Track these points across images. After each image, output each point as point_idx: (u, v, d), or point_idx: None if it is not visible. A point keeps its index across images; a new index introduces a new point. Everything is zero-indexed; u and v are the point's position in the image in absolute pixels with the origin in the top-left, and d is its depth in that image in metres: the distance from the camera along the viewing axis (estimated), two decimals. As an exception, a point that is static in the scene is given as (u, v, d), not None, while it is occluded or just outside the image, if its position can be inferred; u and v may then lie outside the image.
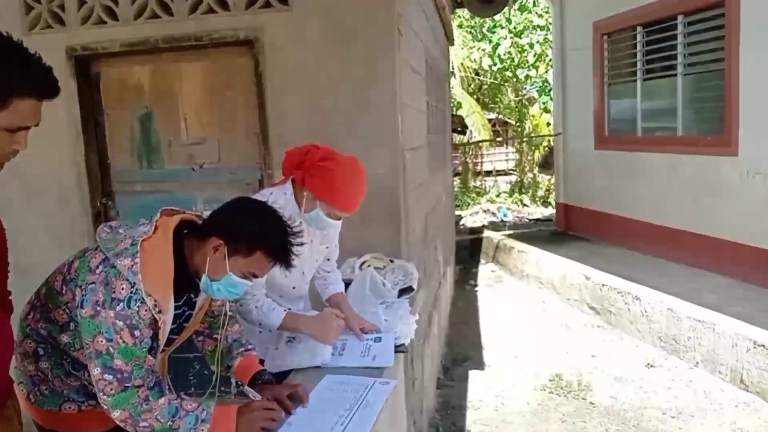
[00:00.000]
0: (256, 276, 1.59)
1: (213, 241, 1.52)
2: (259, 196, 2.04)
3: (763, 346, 3.75)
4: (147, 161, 3.35)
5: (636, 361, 4.54)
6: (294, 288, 2.17)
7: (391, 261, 2.80)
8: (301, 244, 1.61)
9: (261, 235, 1.53)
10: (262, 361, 1.86)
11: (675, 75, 5.82)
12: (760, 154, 4.87)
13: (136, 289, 1.42)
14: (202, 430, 1.46)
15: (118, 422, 1.48)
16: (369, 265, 2.72)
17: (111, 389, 1.44)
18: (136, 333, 1.42)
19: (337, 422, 1.58)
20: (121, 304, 1.41)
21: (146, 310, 1.43)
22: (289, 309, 2.04)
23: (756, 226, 4.93)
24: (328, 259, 2.30)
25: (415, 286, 2.61)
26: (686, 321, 4.44)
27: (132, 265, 1.43)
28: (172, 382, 1.86)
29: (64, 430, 1.69)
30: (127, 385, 1.44)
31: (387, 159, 2.96)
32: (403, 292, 2.58)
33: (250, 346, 1.82)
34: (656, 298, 4.81)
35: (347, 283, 2.50)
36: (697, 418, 3.65)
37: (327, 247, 2.22)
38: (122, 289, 1.42)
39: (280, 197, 2.01)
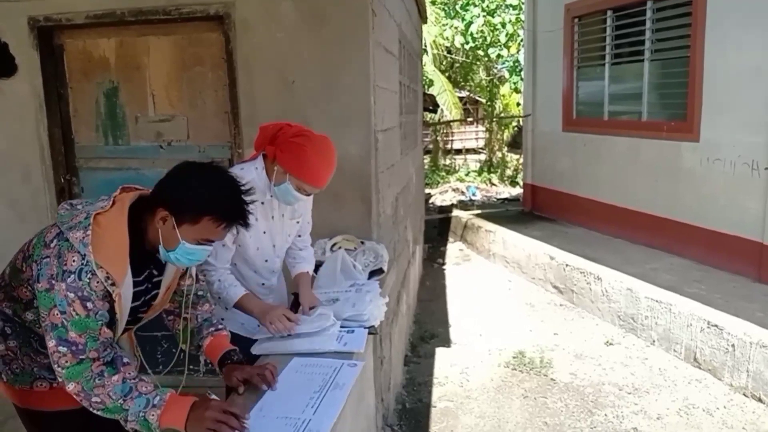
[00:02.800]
0: (211, 241, 1.57)
1: (159, 212, 1.51)
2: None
3: (716, 326, 3.93)
4: (112, 137, 3.28)
5: (596, 339, 4.70)
6: (267, 261, 2.20)
7: (362, 243, 2.83)
8: (252, 201, 1.59)
9: (204, 201, 1.50)
10: (234, 341, 1.87)
11: (642, 60, 5.93)
12: (720, 141, 5.03)
13: (87, 261, 1.42)
14: (152, 415, 1.43)
15: (72, 395, 1.47)
16: (340, 247, 2.74)
17: (65, 361, 1.44)
18: (89, 305, 1.43)
19: (308, 404, 1.60)
20: (72, 276, 1.41)
21: (98, 282, 1.43)
22: (249, 291, 2.07)
23: (713, 211, 5.12)
24: (300, 235, 2.32)
25: (385, 268, 2.65)
26: (644, 301, 4.61)
27: (83, 237, 1.43)
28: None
29: (37, 407, 1.69)
30: (81, 357, 1.44)
31: (359, 141, 2.97)
32: (373, 273, 2.62)
33: (220, 326, 1.83)
34: (616, 278, 4.97)
35: (318, 265, 2.53)
36: (651, 394, 3.82)
37: (297, 222, 2.24)
38: (73, 261, 1.42)
39: (250, 171, 2.03)
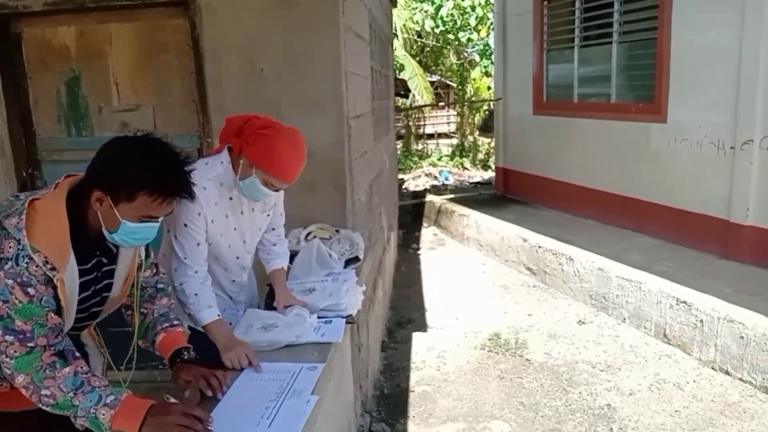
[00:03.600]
0: (155, 217, 1.49)
1: (95, 193, 1.45)
2: (193, 167, 1.99)
3: (684, 302, 4.03)
4: (75, 128, 3.18)
5: (568, 319, 4.79)
6: (238, 258, 2.13)
7: (337, 231, 2.81)
8: (193, 170, 1.52)
9: (136, 176, 1.42)
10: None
11: (610, 43, 5.98)
12: (687, 122, 5.12)
13: (23, 246, 1.37)
14: (103, 414, 1.37)
15: (21, 389, 1.42)
16: (314, 236, 2.72)
17: (14, 351, 1.39)
18: (30, 291, 1.38)
19: (263, 415, 1.49)
20: (9, 262, 1.36)
21: (36, 267, 1.38)
22: (222, 312, 1.98)
23: (681, 190, 5.23)
24: (273, 229, 2.27)
25: (361, 256, 2.64)
26: (615, 280, 4.70)
27: (17, 223, 1.38)
28: (111, 357, 1.82)
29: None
30: (30, 345, 1.39)
31: (331, 128, 2.93)
32: (349, 262, 2.61)
33: (176, 322, 1.75)
34: (588, 259, 5.06)
35: (293, 255, 2.50)
36: (624, 370, 3.91)
37: (268, 215, 2.18)
38: (10, 247, 1.37)
39: (215, 166, 1.96)
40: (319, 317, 2.05)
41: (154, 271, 1.79)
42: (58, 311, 1.45)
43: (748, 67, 4.47)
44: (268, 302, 2.24)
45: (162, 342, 1.71)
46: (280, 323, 1.97)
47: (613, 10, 5.90)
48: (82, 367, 1.45)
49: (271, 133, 1.87)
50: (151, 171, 1.43)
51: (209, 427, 1.42)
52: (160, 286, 1.79)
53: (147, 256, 1.73)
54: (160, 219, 1.52)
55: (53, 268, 1.40)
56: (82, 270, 1.50)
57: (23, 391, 1.42)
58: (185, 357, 1.67)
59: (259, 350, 1.82)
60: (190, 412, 1.42)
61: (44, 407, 1.41)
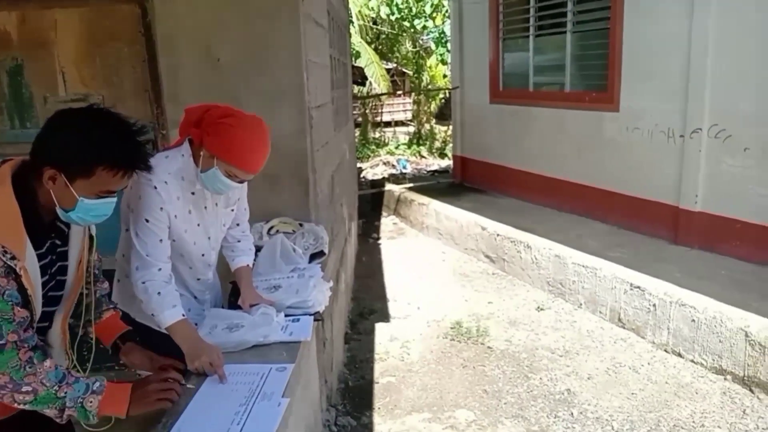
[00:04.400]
0: (113, 192, 1.44)
1: (47, 171, 1.36)
2: (154, 161, 1.91)
3: (638, 287, 4.16)
4: (19, 120, 3.01)
5: (528, 305, 4.88)
6: (203, 255, 2.06)
7: (301, 225, 2.75)
8: (148, 141, 1.48)
9: (92, 151, 1.36)
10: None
11: (564, 32, 6.07)
12: (639, 110, 5.26)
13: None
14: (90, 401, 1.38)
15: None
16: (277, 230, 2.66)
17: None
18: None
19: (233, 420, 1.44)
20: None
21: None
22: (188, 313, 1.90)
23: (633, 178, 5.38)
24: (237, 224, 2.21)
25: (326, 251, 2.60)
26: (571, 266, 4.81)
27: None
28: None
29: None
30: (0, 343, 1.32)
31: (293, 119, 2.86)
32: (314, 256, 2.56)
33: (112, 305, 1.77)
34: (545, 246, 5.15)
35: (257, 249, 2.43)
36: (581, 355, 4.01)
37: (233, 210, 2.12)
38: None
39: (176, 159, 1.88)
40: (286, 315, 2.00)
41: (98, 256, 1.74)
42: (25, 303, 1.38)
43: (697, 57, 4.61)
44: (232, 300, 2.18)
45: (103, 323, 1.71)
46: (246, 323, 1.91)
47: (566, 0, 5.98)
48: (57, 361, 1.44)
49: (232, 122, 1.80)
50: (108, 144, 1.37)
51: (189, 386, 1.54)
52: (98, 270, 1.76)
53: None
54: (117, 194, 1.46)
55: (13, 257, 1.32)
56: (38, 255, 1.43)
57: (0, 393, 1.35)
58: (137, 339, 1.73)
59: (226, 351, 1.76)
60: (168, 377, 1.52)
61: (19, 405, 1.36)
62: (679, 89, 4.81)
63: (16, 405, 1.36)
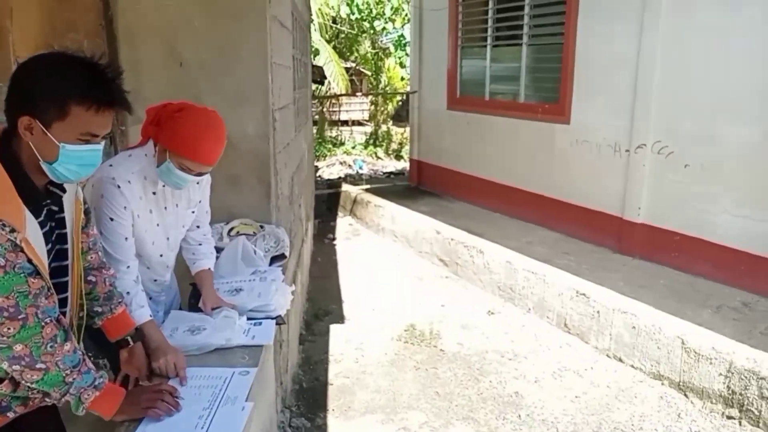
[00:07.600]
0: (96, 135, 1.36)
1: (21, 121, 1.30)
2: (117, 160, 1.89)
3: (584, 294, 4.34)
4: (-32, 109, 2.88)
5: (479, 309, 5.01)
6: (161, 256, 2.06)
7: (262, 227, 2.76)
8: (116, 74, 1.40)
9: (62, 86, 1.29)
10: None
11: (520, 44, 6.25)
12: (588, 124, 5.48)
13: None
14: (87, 395, 1.40)
15: (10, 365, 1.31)
16: (238, 232, 2.65)
17: (8, 329, 1.28)
18: (1, 261, 1.26)
19: (197, 425, 1.46)
20: None
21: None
22: (155, 314, 1.93)
23: (581, 188, 5.60)
24: (198, 227, 2.20)
25: (287, 254, 2.61)
26: (521, 272, 4.97)
27: None
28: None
29: None
30: (20, 317, 1.29)
31: (256, 120, 2.86)
32: (274, 259, 2.57)
33: (121, 299, 1.75)
34: (497, 251, 5.31)
35: (217, 251, 2.43)
36: (529, 359, 4.16)
37: (193, 212, 2.12)
38: None
39: (140, 158, 1.88)
40: (248, 319, 2.02)
41: (95, 230, 1.71)
42: (37, 274, 1.35)
43: (645, 75, 4.85)
44: (192, 302, 2.17)
45: (115, 319, 1.69)
46: (209, 326, 1.92)
47: (523, 13, 6.16)
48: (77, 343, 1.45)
49: (182, 114, 1.82)
50: (76, 76, 1.31)
51: (176, 396, 1.55)
52: (101, 251, 1.74)
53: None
54: (101, 140, 1.39)
55: (13, 230, 1.27)
56: (39, 224, 1.39)
57: (12, 367, 1.32)
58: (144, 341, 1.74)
59: (188, 354, 1.77)
60: (160, 388, 1.55)
61: (26, 383, 1.35)
62: (626, 106, 5.04)
63: (22, 382, 1.36)
